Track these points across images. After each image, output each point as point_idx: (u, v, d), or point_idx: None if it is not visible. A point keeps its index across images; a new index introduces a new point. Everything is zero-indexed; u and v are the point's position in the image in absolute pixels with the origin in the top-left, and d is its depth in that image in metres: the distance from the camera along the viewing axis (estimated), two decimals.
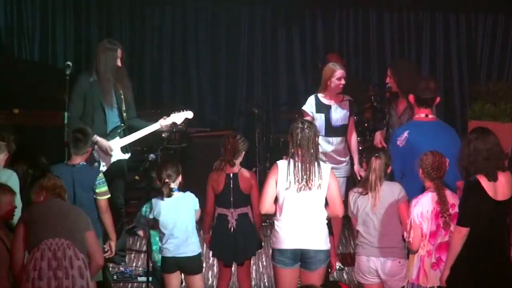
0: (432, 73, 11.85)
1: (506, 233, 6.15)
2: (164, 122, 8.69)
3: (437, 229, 6.32)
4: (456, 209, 6.26)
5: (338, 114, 8.65)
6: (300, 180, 6.57)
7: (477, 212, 6.03)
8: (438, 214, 6.30)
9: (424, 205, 6.33)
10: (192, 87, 12.10)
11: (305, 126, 6.64)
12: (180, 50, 12.05)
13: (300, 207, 6.59)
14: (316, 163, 6.60)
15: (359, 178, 8.64)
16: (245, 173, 7.36)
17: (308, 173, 6.57)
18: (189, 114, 8.83)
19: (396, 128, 7.69)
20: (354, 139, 8.81)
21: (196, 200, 7.17)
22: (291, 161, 6.62)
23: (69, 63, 8.50)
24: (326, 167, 6.67)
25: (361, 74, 12.09)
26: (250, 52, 12.09)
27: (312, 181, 6.57)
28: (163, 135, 9.97)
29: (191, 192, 7.22)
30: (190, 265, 7.13)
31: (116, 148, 8.55)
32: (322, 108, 8.64)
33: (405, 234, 6.44)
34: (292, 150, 6.63)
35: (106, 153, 8.47)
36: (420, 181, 6.54)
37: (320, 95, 8.70)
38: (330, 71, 8.65)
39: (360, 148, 10.78)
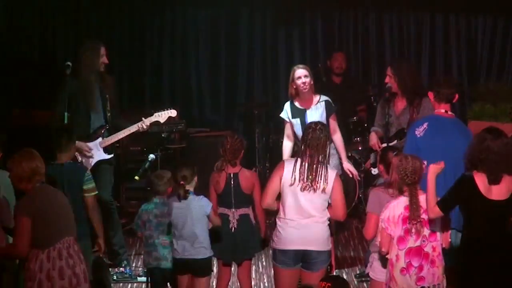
0: (432, 73, 11.84)
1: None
2: (144, 124, 8.64)
3: (405, 234, 6.19)
4: None
5: (314, 117, 8.47)
6: (305, 179, 6.59)
7: (469, 209, 5.99)
8: (405, 219, 6.18)
9: (391, 210, 6.22)
10: (192, 87, 12.10)
11: (318, 128, 6.67)
12: (180, 50, 12.05)
13: (303, 208, 6.62)
14: (324, 166, 6.62)
15: (350, 176, 8.57)
16: (246, 172, 7.37)
17: (314, 174, 6.60)
18: (173, 113, 8.82)
19: (417, 120, 7.65)
20: (337, 137, 8.59)
21: (210, 205, 7.10)
22: (299, 159, 6.66)
23: (69, 63, 8.50)
24: (332, 171, 6.70)
25: (361, 74, 12.08)
26: (250, 52, 12.09)
27: (317, 183, 6.59)
28: (163, 135, 9.97)
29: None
30: (198, 268, 7.13)
31: (99, 149, 8.57)
32: (297, 113, 8.53)
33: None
34: (302, 150, 6.67)
35: (85, 154, 8.46)
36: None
37: (294, 101, 8.63)
38: (291, 73, 8.59)
39: (360, 148, 10.79)
